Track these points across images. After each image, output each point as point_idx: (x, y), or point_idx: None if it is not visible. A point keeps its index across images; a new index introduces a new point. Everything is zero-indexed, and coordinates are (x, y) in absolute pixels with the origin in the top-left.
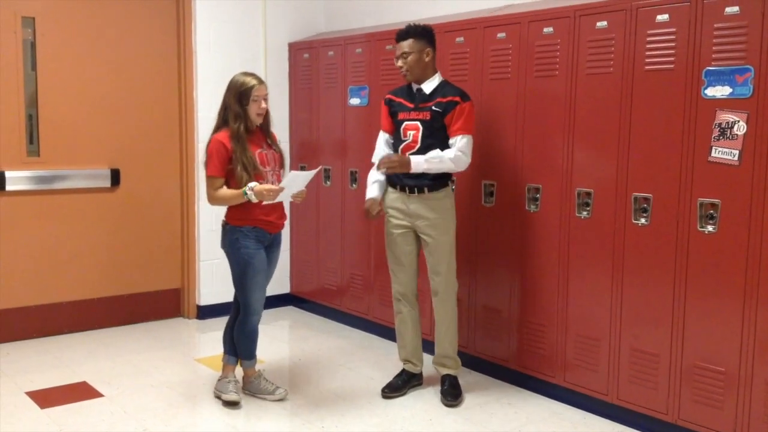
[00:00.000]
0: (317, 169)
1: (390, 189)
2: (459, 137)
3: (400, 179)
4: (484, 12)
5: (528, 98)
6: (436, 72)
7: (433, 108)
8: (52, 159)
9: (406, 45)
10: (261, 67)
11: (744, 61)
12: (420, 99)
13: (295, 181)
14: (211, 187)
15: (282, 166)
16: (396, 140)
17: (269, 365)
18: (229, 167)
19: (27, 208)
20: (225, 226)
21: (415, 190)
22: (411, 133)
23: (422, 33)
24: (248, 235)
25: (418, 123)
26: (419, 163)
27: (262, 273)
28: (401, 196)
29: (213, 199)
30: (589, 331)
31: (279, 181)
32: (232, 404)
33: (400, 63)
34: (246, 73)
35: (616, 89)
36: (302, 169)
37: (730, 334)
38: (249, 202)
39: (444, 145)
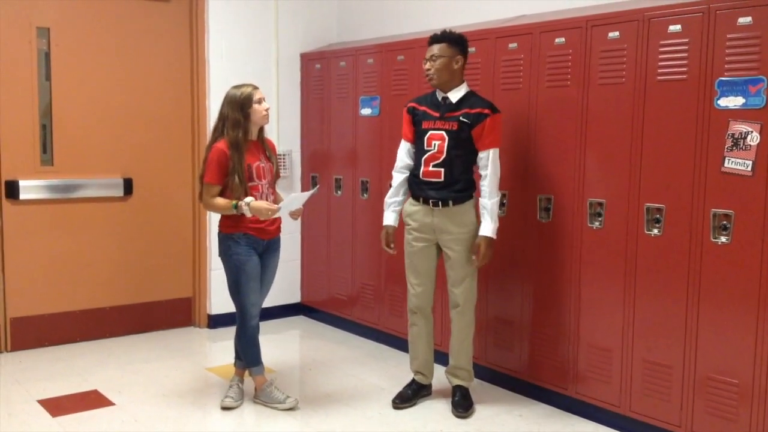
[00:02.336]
0: (314, 190)
1: (411, 201)
2: (491, 151)
3: (423, 191)
4: (496, 22)
5: (539, 108)
6: (463, 82)
7: (461, 119)
8: (66, 168)
9: (438, 48)
10: (273, 77)
11: (757, 71)
12: (446, 108)
13: (294, 202)
14: (208, 194)
15: (277, 177)
16: (418, 150)
17: (280, 374)
18: (226, 177)
19: (40, 217)
20: (219, 234)
21: (440, 203)
22: (436, 143)
23: (456, 40)
24: (239, 242)
25: (444, 133)
26: (494, 228)
27: (255, 279)
28: (424, 208)
29: (206, 206)
30: (602, 342)
31: (274, 193)
32: (226, 409)
33: (427, 66)
34: (237, 86)
35: (629, 99)
36: (314, 179)
37: (743, 346)
38: (241, 214)
39: (469, 156)
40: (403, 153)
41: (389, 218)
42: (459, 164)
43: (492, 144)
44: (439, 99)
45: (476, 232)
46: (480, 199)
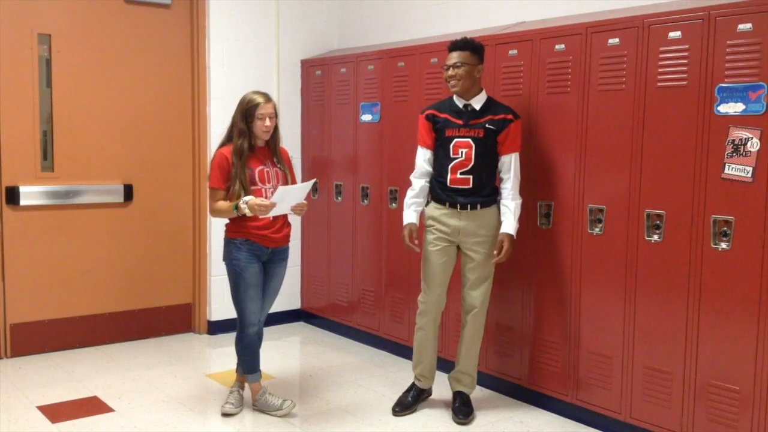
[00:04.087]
0: (310, 183)
1: (435, 204)
2: (513, 155)
3: (450, 197)
4: (496, 29)
5: (540, 115)
6: (482, 89)
7: (488, 126)
8: (66, 174)
9: (461, 56)
10: (273, 83)
11: (757, 77)
12: (469, 116)
13: (286, 196)
14: (212, 199)
15: (286, 183)
16: (442, 157)
17: (279, 381)
18: (229, 182)
19: (40, 223)
20: (224, 239)
21: (468, 206)
22: (463, 150)
23: (479, 48)
24: (240, 248)
25: (470, 140)
26: (516, 227)
27: (253, 286)
28: (450, 211)
29: (211, 211)
30: (602, 349)
31: None
32: (226, 416)
33: (451, 72)
34: (256, 92)
35: (629, 106)
36: (314, 184)
37: (744, 352)
38: (243, 215)
39: (495, 162)
40: (422, 160)
41: (411, 216)
42: (486, 170)
43: (514, 149)
44: (461, 106)
45: (498, 234)
46: (502, 201)
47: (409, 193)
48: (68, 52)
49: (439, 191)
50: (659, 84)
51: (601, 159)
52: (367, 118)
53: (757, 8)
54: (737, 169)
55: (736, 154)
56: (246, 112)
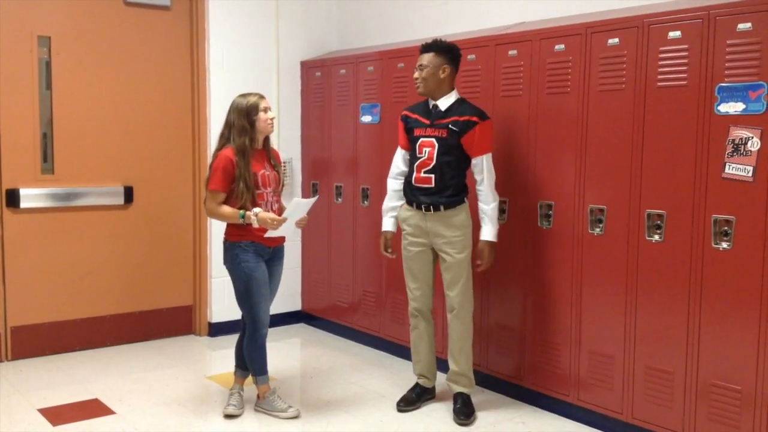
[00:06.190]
0: (315, 198)
1: (406, 206)
2: (485, 157)
3: (416, 197)
4: (496, 30)
5: (540, 115)
6: (452, 89)
7: (450, 126)
8: (66, 176)
9: (426, 58)
10: (273, 85)
11: (757, 77)
12: (436, 116)
13: (297, 210)
14: (213, 201)
15: (282, 186)
16: (411, 156)
17: (281, 383)
18: (231, 184)
19: (41, 225)
20: (225, 243)
21: (431, 208)
22: (426, 150)
23: (444, 49)
24: (247, 250)
25: (434, 140)
26: (495, 232)
27: (265, 285)
28: (417, 213)
29: (212, 213)
30: (603, 349)
31: (278, 201)
32: (229, 417)
33: (415, 74)
34: (244, 95)
35: (629, 106)
36: (314, 186)
37: (746, 352)
38: (248, 224)
39: (460, 163)
40: (399, 160)
41: (387, 224)
42: (449, 170)
43: (484, 150)
44: (430, 107)
45: (470, 235)
46: (479, 204)
47: (386, 199)
48: (68, 55)
49: (408, 191)
50: (659, 84)
51: (601, 159)
52: (367, 119)
53: (757, 7)
54: (738, 169)
55: (737, 153)
56: (248, 110)
